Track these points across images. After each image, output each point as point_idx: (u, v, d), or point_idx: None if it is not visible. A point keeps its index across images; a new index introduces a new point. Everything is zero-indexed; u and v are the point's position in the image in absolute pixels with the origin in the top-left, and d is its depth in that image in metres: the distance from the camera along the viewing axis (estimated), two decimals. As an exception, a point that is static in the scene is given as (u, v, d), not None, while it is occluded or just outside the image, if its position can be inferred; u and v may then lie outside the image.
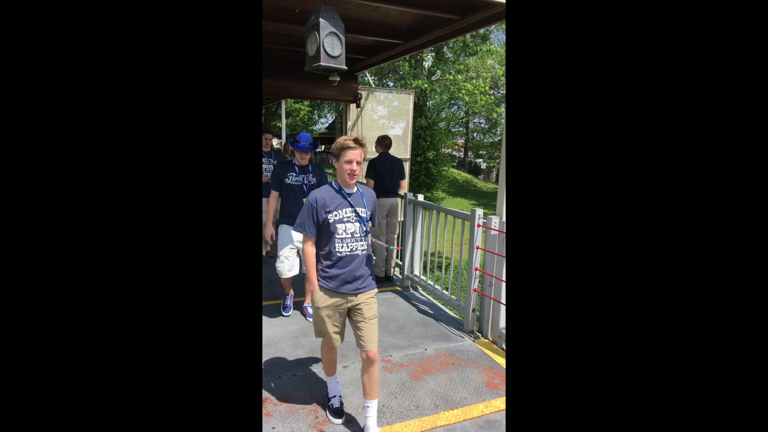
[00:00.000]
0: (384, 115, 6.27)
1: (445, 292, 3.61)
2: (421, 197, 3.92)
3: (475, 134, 22.97)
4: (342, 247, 1.90)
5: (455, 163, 22.44)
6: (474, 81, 11.97)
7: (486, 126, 21.75)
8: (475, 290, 3.17)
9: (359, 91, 5.70)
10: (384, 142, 4.19)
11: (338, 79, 5.08)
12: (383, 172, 4.02)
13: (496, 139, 20.18)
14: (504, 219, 3.04)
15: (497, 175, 24.02)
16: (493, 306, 3.08)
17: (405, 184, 4.30)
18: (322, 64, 2.72)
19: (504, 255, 2.96)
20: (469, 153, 24.83)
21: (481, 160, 25.09)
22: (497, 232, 3.01)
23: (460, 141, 24.53)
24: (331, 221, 1.88)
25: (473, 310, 3.20)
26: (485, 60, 14.32)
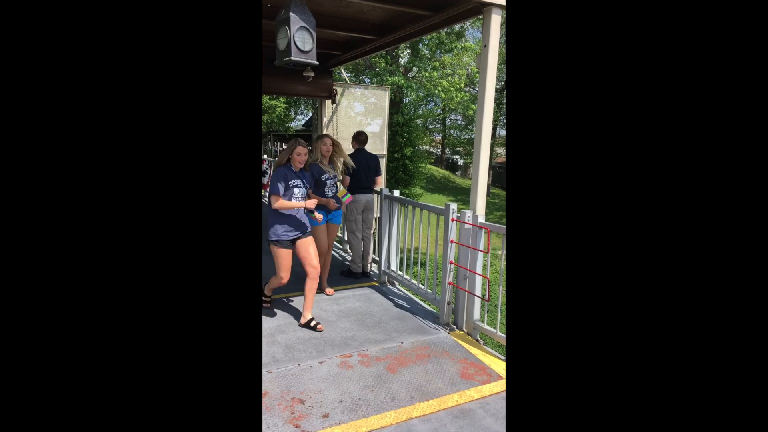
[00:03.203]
0: (361, 112, 6.26)
1: (421, 286, 3.65)
2: (396, 193, 3.95)
3: (452, 131, 23.17)
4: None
5: (432, 160, 22.60)
6: (449, 78, 12.06)
7: (462, 123, 21.97)
8: (450, 283, 3.21)
9: (334, 87, 5.67)
10: (360, 138, 4.18)
11: (312, 74, 5.04)
12: (359, 168, 4.02)
13: (472, 136, 20.45)
14: (477, 213, 3.09)
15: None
16: (467, 298, 3.14)
17: (381, 180, 4.31)
18: (293, 58, 2.69)
19: (478, 248, 3.02)
20: (447, 149, 25.03)
21: (458, 156, 25.33)
22: (471, 226, 3.06)
23: (438, 138, 24.70)
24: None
25: (448, 303, 3.25)
26: (461, 57, 14.45)
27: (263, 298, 3.31)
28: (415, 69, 12.55)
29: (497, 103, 19.29)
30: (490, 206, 16.59)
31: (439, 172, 20.49)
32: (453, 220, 3.17)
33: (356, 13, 3.77)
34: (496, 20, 2.93)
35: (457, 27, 11.17)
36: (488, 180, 19.68)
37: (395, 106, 12.40)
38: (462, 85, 12.20)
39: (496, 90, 19.22)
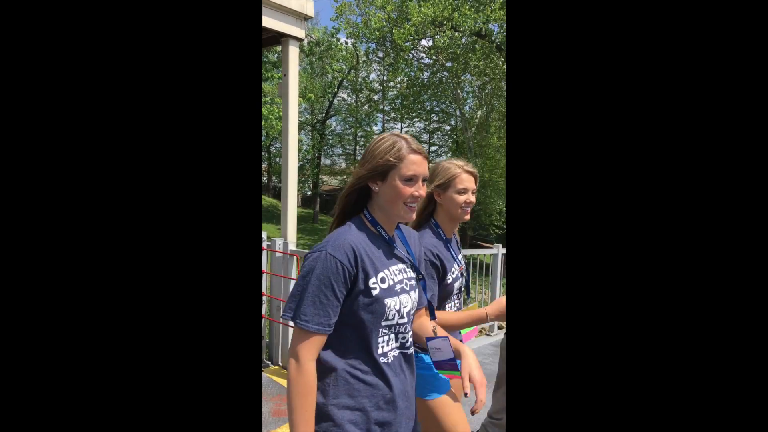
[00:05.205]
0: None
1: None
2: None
3: (277, 158, 23.00)
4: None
5: (259, 188, 21.88)
6: (269, 106, 12.00)
7: (288, 151, 22.07)
8: (263, 317, 3.05)
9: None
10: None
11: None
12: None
13: (298, 163, 20.51)
14: (288, 240, 3.04)
15: (301, 198, 24.50)
16: (282, 330, 3.02)
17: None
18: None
19: (291, 277, 2.96)
20: (273, 177, 24.65)
21: (285, 184, 25.23)
22: (282, 254, 2.98)
23: (264, 165, 24.17)
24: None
25: (261, 338, 3.07)
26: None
27: None
28: (232, 94, 12.09)
29: (320, 133, 20.05)
30: (319, 233, 16.93)
31: (266, 200, 19.95)
32: (264, 249, 3.05)
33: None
34: (294, 51, 3.02)
35: (274, 57, 11.24)
36: (317, 207, 20.10)
37: (211, 131, 11.64)
38: (281, 113, 12.31)
39: (318, 120, 19.99)
